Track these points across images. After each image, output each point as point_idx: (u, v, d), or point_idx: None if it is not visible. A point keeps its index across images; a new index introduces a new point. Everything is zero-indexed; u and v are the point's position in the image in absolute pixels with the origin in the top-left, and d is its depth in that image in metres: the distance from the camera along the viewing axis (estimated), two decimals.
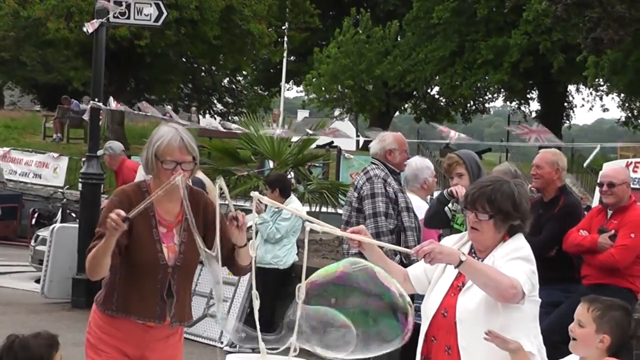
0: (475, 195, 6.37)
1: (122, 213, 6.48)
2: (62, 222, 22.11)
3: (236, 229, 6.79)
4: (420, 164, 11.77)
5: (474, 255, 6.51)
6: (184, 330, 7.43)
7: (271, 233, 14.37)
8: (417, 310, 6.54)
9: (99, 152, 18.18)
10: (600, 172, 11.33)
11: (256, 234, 14.35)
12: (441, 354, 6.43)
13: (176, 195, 6.84)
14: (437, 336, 6.45)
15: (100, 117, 20.43)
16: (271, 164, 18.21)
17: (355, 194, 11.01)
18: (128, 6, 17.98)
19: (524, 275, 6.20)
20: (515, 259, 6.30)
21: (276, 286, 14.33)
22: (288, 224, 14.33)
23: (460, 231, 7.10)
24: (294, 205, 14.47)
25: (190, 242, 6.92)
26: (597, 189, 12.27)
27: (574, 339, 6.09)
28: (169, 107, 57.34)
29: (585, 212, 11.87)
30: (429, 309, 6.51)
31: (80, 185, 18.69)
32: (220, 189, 6.33)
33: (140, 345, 7.11)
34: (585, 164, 13.23)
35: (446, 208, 10.62)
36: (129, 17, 18.38)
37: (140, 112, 18.80)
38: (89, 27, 17.88)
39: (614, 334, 6.05)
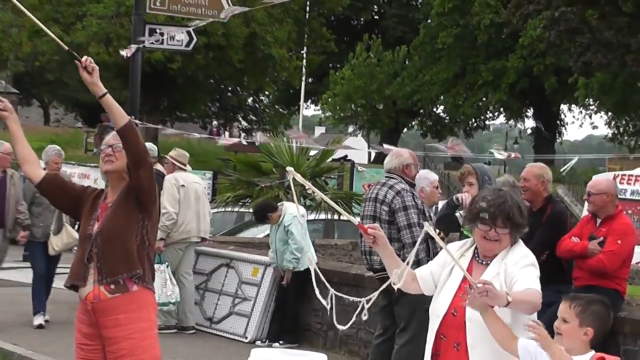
0: (496, 213, 6.33)
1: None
2: None
3: (85, 74, 7.19)
4: (419, 175, 11.77)
5: (477, 259, 6.53)
6: (148, 303, 7.34)
7: (293, 246, 14.32)
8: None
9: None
10: (589, 184, 11.37)
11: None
12: (450, 350, 6.41)
13: (119, 187, 7.34)
14: (447, 334, 6.43)
15: None
16: (290, 177, 18.16)
17: (386, 208, 10.84)
18: (162, 33, 18.01)
19: (537, 280, 6.28)
20: (527, 266, 6.34)
21: (296, 286, 14.34)
22: (296, 231, 14.27)
23: (469, 237, 7.08)
24: (289, 208, 14.51)
25: (115, 210, 7.24)
26: None
27: (559, 334, 6.08)
28: (215, 122, 57.64)
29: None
30: (439, 309, 6.48)
31: None
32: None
33: (93, 322, 7.17)
34: (562, 170, 13.18)
35: (458, 214, 10.68)
36: (162, 43, 18.41)
37: (172, 129, 18.77)
38: (127, 52, 17.89)
39: (596, 326, 6.06)
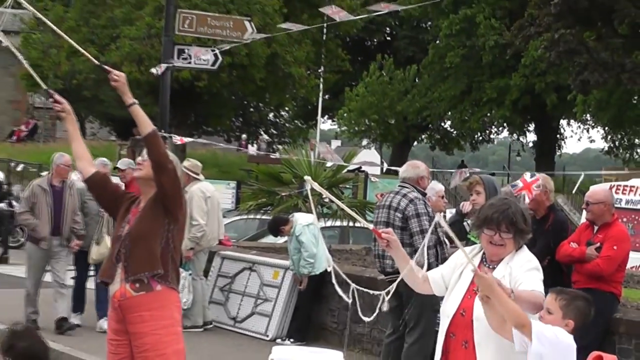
0: (499, 218, 6.39)
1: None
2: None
3: (113, 82, 7.48)
4: (429, 185, 11.82)
5: (485, 263, 6.56)
6: (172, 302, 7.40)
7: (305, 254, 14.33)
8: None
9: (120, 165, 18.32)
10: (587, 194, 11.40)
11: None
12: (459, 347, 6.44)
13: (149, 195, 7.45)
14: (456, 333, 6.46)
15: (166, 145, 20.43)
16: (308, 186, 18.16)
17: (399, 215, 10.89)
18: (189, 53, 18.05)
19: (540, 282, 6.35)
20: (531, 270, 6.40)
21: (313, 289, 14.35)
22: (309, 236, 14.28)
23: (475, 243, 7.12)
24: (299, 219, 14.57)
25: (143, 214, 7.37)
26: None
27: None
28: (244, 135, 57.72)
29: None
30: (449, 309, 6.52)
31: None
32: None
33: (120, 318, 7.25)
34: (574, 190, 13.24)
35: (465, 223, 10.73)
36: (190, 62, 18.45)
37: (199, 141, 18.78)
38: (157, 71, 17.95)
39: (577, 320, 6.13)
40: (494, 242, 6.42)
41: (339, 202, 7.43)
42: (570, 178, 41.13)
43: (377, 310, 6.68)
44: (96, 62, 7.37)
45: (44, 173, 18.64)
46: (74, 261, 15.04)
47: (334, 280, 6.69)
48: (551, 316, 6.03)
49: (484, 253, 6.63)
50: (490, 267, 6.49)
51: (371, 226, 6.89)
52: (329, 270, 6.72)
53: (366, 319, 6.62)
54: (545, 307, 6.10)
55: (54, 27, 8.60)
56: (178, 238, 7.54)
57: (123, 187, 13.31)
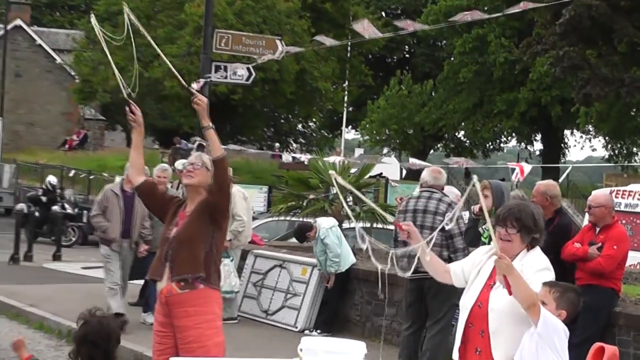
0: (506, 215, 6.48)
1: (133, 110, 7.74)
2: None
3: (196, 105, 7.36)
4: (446, 190, 11.83)
5: None
6: (214, 299, 7.42)
7: (330, 254, 14.36)
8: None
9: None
10: (589, 198, 11.41)
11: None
12: (476, 336, 6.50)
13: (196, 200, 7.48)
14: (474, 323, 6.52)
15: (204, 152, 20.45)
16: (334, 190, 18.16)
17: (440, 218, 10.81)
18: (226, 69, 18.07)
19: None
20: (542, 270, 6.46)
21: (340, 284, 14.38)
22: (333, 238, 14.31)
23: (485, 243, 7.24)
24: (322, 223, 14.61)
25: (190, 219, 7.38)
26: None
27: None
28: (277, 144, 57.86)
29: None
30: (467, 302, 6.59)
31: None
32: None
33: (165, 311, 7.28)
34: (560, 180, 13.17)
35: (480, 229, 10.76)
36: (226, 77, 18.48)
37: (234, 148, 18.77)
38: (196, 85, 17.95)
39: (569, 310, 6.16)
40: (502, 238, 6.47)
41: (362, 196, 7.52)
42: (574, 184, 40.98)
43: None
44: (184, 83, 7.37)
45: (118, 178, 18.60)
46: (146, 264, 15.08)
47: (370, 253, 6.74)
48: (546, 307, 6.08)
49: None
50: None
51: (392, 218, 7.04)
52: (363, 248, 6.83)
53: (381, 267, 7.05)
54: (540, 299, 6.15)
55: (155, 46, 8.63)
56: (220, 243, 7.60)
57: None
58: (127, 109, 7.65)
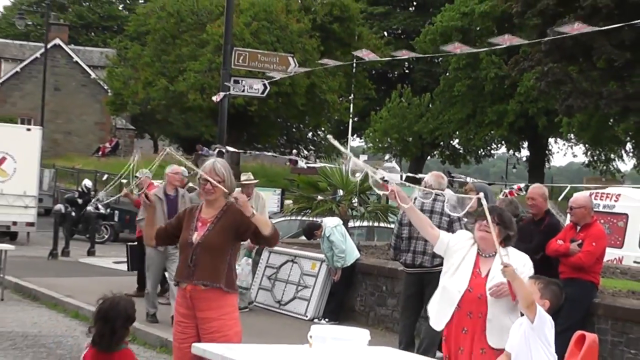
0: (490, 210, 6.56)
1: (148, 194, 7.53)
2: None
3: (240, 206, 7.12)
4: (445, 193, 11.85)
5: (480, 254, 6.87)
6: (233, 300, 7.36)
7: (336, 250, 14.35)
8: None
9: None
10: (570, 200, 11.45)
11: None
12: (464, 318, 6.72)
13: (215, 205, 7.33)
14: (462, 306, 6.72)
15: (223, 157, 20.44)
16: (341, 192, 18.15)
17: (447, 218, 10.84)
18: (243, 83, 18.09)
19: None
20: (526, 264, 6.76)
21: (346, 277, 14.38)
22: (338, 235, 14.31)
23: None
24: (328, 222, 14.59)
25: (214, 230, 7.24)
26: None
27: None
28: (295, 151, 57.93)
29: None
30: (459, 286, 6.75)
31: None
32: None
33: (189, 305, 7.20)
34: (560, 198, 13.20)
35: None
36: (244, 91, 18.50)
37: (250, 154, 18.77)
38: (217, 98, 17.99)
39: (552, 300, 6.26)
40: (483, 229, 6.67)
41: (359, 162, 7.64)
42: (558, 187, 40.80)
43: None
44: (226, 190, 7.26)
45: (159, 182, 18.60)
46: None
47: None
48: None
49: (478, 247, 6.90)
50: (485, 255, 6.82)
51: (380, 180, 7.13)
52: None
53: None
54: None
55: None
56: (237, 250, 7.68)
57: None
58: (144, 195, 7.52)
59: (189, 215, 7.42)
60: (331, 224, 14.43)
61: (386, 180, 7.11)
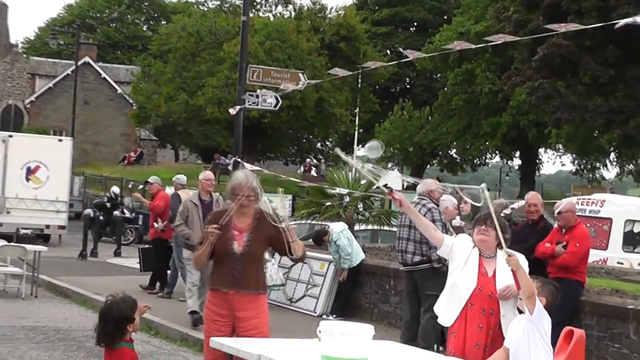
0: (486, 216, 6.76)
1: (215, 226, 7.02)
2: None
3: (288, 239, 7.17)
4: (445, 198, 11.81)
5: (482, 255, 6.88)
6: (266, 300, 7.42)
7: (342, 253, 14.36)
8: None
9: (152, 179, 18.45)
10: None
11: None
12: (477, 314, 6.69)
13: (247, 213, 7.22)
14: (474, 303, 6.70)
15: (238, 167, 20.46)
16: (347, 198, 18.14)
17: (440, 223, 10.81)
18: (257, 97, 18.10)
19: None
20: (524, 263, 6.60)
21: (352, 277, 14.38)
22: (343, 243, 14.31)
23: None
24: (335, 227, 14.55)
25: (254, 240, 7.16)
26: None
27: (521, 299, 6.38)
28: (308, 159, 58.00)
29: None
30: (469, 285, 6.74)
31: None
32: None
33: (229, 306, 7.14)
34: (557, 213, 13.14)
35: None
36: (257, 104, 18.49)
37: (263, 163, 18.75)
38: (233, 111, 18.00)
39: (548, 298, 6.33)
40: (481, 232, 6.75)
41: (356, 164, 7.67)
42: (547, 193, 40.74)
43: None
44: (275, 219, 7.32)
45: (169, 189, 18.67)
46: None
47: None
48: None
49: (479, 249, 6.90)
50: (486, 256, 6.84)
51: (387, 190, 7.18)
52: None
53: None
54: None
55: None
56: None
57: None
58: (215, 227, 7.09)
59: (225, 224, 7.19)
60: (338, 229, 14.43)
61: (390, 188, 7.13)
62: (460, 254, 6.89)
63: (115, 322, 5.91)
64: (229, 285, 7.14)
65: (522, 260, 6.55)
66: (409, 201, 7.53)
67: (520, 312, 6.57)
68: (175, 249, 15.56)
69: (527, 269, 6.52)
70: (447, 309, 6.85)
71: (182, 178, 17.44)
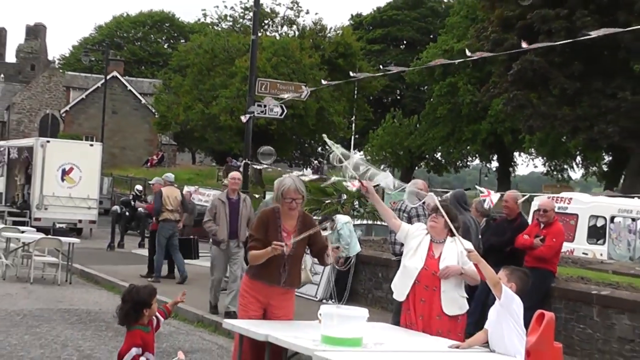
0: (436, 207, 7.00)
1: (283, 245, 6.68)
2: None
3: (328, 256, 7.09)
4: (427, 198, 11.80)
5: (433, 240, 7.02)
6: (294, 291, 7.30)
7: (342, 242, 14.30)
8: None
9: (153, 180, 18.48)
10: (538, 203, 11.51)
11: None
12: (422, 290, 6.85)
13: (293, 216, 7.02)
14: (420, 281, 6.86)
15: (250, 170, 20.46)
16: (344, 196, 18.13)
17: (405, 215, 10.76)
18: (264, 107, 18.10)
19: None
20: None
21: (349, 266, 14.35)
22: (344, 233, 14.27)
23: None
24: (340, 219, 14.40)
25: (299, 241, 6.91)
26: (532, 211, 12.30)
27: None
28: (316, 162, 57.93)
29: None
30: (417, 265, 6.89)
31: None
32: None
33: (266, 296, 7.01)
34: (532, 209, 13.22)
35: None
36: (265, 113, 18.49)
37: (271, 167, 18.73)
38: (244, 119, 18.01)
39: (517, 283, 6.22)
40: (433, 219, 7.00)
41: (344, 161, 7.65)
42: (521, 192, 40.57)
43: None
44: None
45: (186, 188, 18.76)
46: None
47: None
48: (501, 280, 6.16)
49: (430, 236, 7.08)
50: (436, 241, 6.99)
51: (357, 179, 7.28)
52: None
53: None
54: (498, 276, 6.25)
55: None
56: None
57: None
58: (285, 244, 6.76)
59: (272, 224, 6.98)
60: (343, 221, 14.37)
61: (360, 178, 7.26)
62: (414, 239, 7.07)
63: (133, 304, 5.85)
64: (276, 282, 6.96)
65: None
66: (400, 199, 7.62)
67: (468, 290, 6.97)
68: (158, 237, 16.36)
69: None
70: (399, 285, 7.01)
71: (170, 176, 17.64)
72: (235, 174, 13.37)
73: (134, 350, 5.70)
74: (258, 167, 17.37)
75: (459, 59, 13.30)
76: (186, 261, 16.92)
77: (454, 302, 6.77)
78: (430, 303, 6.77)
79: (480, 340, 6.22)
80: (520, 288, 6.25)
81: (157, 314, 6.13)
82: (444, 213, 6.84)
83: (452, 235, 6.85)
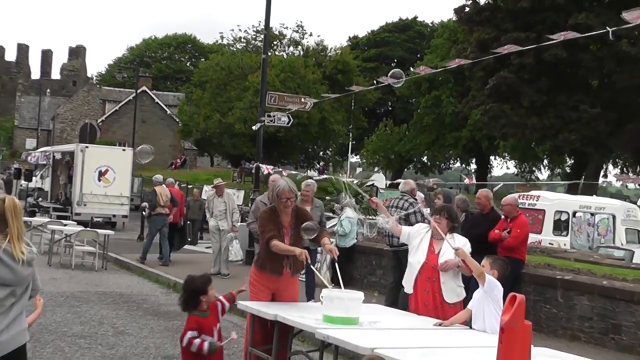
0: (441, 208, 7.08)
1: (306, 255, 6.58)
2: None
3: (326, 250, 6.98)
4: (418, 194, 11.82)
5: (434, 237, 6.95)
6: (298, 277, 7.27)
7: (340, 230, 14.26)
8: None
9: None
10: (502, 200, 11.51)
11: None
12: (424, 282, 6.84)
13: (288, 213, 6.90)
14: (422, 273, 6.85)
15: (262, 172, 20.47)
16: (343, 195, 18.16)
17: (402, 211, 10.70)
18: (273, 117, 18.12)
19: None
20: (466, 244, 6.78)
21: (347, 254, 14.24)
22: (347, 223, 14.24)
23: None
24: (347, 212, 14.29)
25: (296, 234, 6.89)
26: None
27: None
28: (319, 165, 57.92)
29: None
30: (419, 259, 6.89)
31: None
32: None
33: (274, 282, 6.96)
34: (493, 190, 13.17)
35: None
36: (274, 122, 18.52)
37: (279, 169, 18.73)
38: (255, 127, 18.02)
39: (499, 270, 6.23)
40: (436, 220, 6.86)
41: (352, 185, 7.64)
42: (497, 191, 40.56)
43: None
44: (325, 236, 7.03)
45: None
46: None
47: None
48: (484, 268, 6.15)
49: (431, 232, 7.01)
50: (437, 238, 6.89)
51: (367, 196, 7.26)
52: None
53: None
54: (481, 264, 6.24)
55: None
56: None
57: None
58: (304, 255, 6.61)
59: (274, 220, 6.89)
60: (350, 214, 14.36)
61: (370, 194, 7.25)
62: (416, 238, 7.06)
63: (189, 292, 5.81)
64: (280, 272, 6.90)
65: (464, 244, 6.72)
66: (391, 197, 7.61)
67: (464, 281, 6.90)
68: (150, 227, 16.99)
69: (469, 249, 6.66)
70: (407, 280, 7.00)
71: (159, 177, 17.88)
72: (272, 177, 12.08)
73: (190, 334, 5.65)
74: (265, 168, 17.33)
75: (441, 69, 13.38)
76: (191, 248, 17.19)
77: (452, 291, 6.80)
78: (432, 293, 6.80)
79: (462, 319, 6.26)
80: (502, 274, 6.30)
81: (222, 299, 6.04)
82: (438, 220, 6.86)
83: (452, 232, 6.89)
